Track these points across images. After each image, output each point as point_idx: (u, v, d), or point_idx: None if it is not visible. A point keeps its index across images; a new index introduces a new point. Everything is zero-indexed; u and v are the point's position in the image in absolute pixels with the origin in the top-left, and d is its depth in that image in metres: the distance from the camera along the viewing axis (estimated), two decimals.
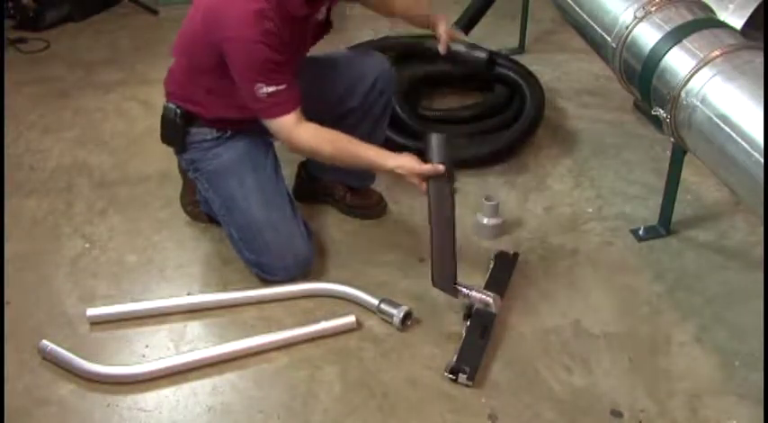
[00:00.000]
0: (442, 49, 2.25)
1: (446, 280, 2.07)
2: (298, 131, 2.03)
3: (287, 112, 2.01)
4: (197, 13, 2.05)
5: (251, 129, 2.20)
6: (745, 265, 2.27)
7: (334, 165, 2.41)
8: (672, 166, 2.29)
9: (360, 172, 2.42)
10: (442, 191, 2.02)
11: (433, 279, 2.08)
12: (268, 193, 2.19)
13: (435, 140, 2.01)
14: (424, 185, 2.00)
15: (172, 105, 2.21)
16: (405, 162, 2.01)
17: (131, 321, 2.12)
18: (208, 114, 2.18)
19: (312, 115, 2.09)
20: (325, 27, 2.24)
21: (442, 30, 2.25)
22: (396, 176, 2.04)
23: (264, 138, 2.25)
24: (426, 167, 1.98)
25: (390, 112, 2.46)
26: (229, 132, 2.21)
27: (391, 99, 2.41)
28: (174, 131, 2.22)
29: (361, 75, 2.28)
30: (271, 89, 1.97)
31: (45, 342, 2.00)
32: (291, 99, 2.01)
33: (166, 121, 2.23)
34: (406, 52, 3.04)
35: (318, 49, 2.31)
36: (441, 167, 1.98)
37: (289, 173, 2.53)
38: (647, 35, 2.18)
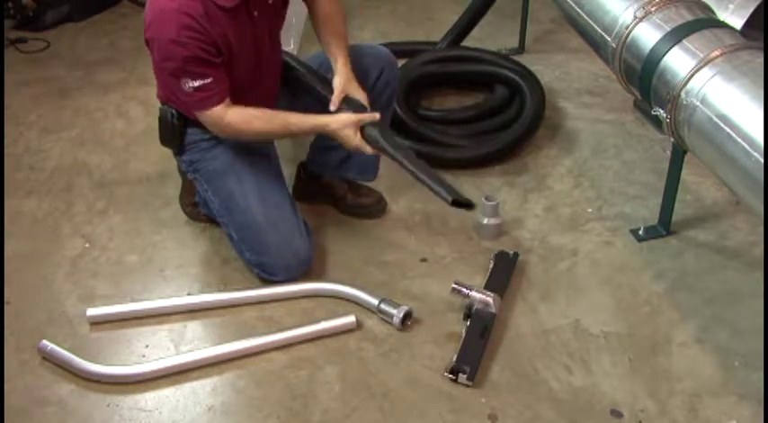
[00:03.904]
0: (332, 106, 2.13)
1: (455, 191, 2.03)
2: (227, 119, 2.06)
3: (216, 103, 2.04)
4: None
5: None
6: (745, 265, 2.27)
7: (335, 165, 2.43)
8: (672, 166, 2.29)
9: (360, 164, 2.42)
10: (385, 132, 2.09)
11: (447, 198, 2.00)
12: (267, 193, 2.19)
13: (349, 102, 2.12)
14: (368, 148, 2.08)
15: (166, 107, 2.21)
16: (343, 118, 2.07)
17: (131, 321, 2.12)
18: (189, 114, 2.18)
19: (321, 109, 2.13)
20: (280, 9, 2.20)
21: (338, 84, 2.14)
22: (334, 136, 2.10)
23: None
24: (357, 115, 2.06)
25: (394, 104, 2.47)
26: None
27: (396, 90, 2.42)
28: (172, 133, 2.22)
29: (367, 67, 2.28)
30: (197, 83, 1.99)
31: (45, 342, 2.00)
32: (219, 91, 2.03)
33: (163, 123, 2.23)
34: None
35: None
36: (377, 115, 2.07)
37: (289, 173, 2.53)
38: (647, 35, 2.18)
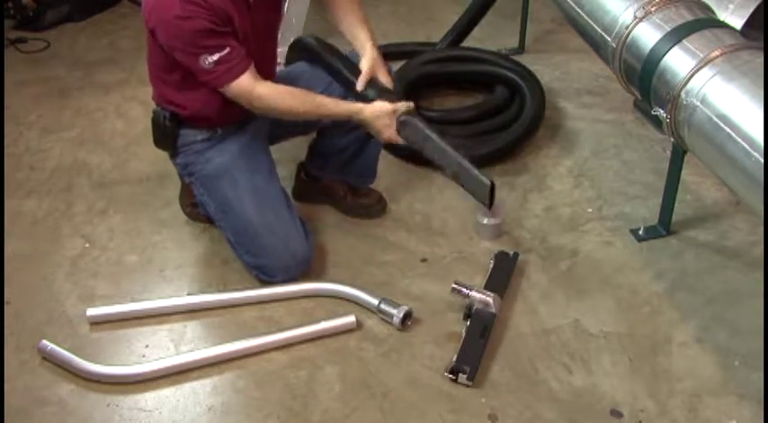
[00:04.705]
0: (359, 86, 2.14)
1: (487, 191, 2.10)
2: (258, 91, 2.04)
3: (240, 73, 2.01)
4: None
5: (240, 128, 2.20)
6: (745, 265, 2.27)
7: (334, 165, 2.43)
8: (672, 166, 2.29)
9: (360, 170, 2.42)
10: (420, 126, 2.10)
11: (486, 203, 2.13)
12: (262, 195, 2.19)
13: (374, 85, 2.11)
14: (399, 139, 2.11)
15: (159, 108, 2.21)
16: (378, 106, 2.07)
17: (131, 321, 2.12)
18: (186, 113, 2.17)
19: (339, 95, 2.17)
20: None
21: (366, 65, 2.13)
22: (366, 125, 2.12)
23: (258, 139, 2.25)
24: (400, 104, 2.07)
25: None
26: (220, 132, 2.21)
27: None
28: (165, 135, 2.22)
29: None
30: (215, 57, 1.97)
31: (45, 342, 2.00)
32: (240, 60, 2.01)
33: (156, 125, 2.22)
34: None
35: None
36: (411, 103, 2.08)
37: (288, 173, 2.54)
38: (647, 35, 2.18)
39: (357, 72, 2.15)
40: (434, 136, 2.10)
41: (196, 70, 2.01)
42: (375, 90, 2.12)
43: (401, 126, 2.09)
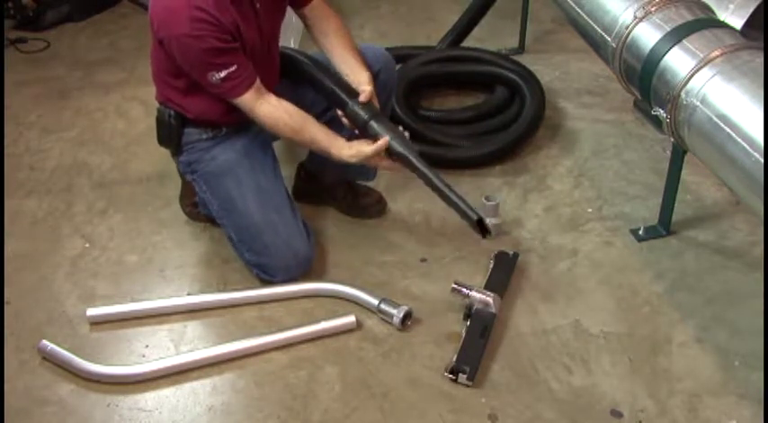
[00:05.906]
0: (362, 98, 2.13)
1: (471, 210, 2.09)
2: (256, 112, 2.09)
3: (245, 90, 2.05)
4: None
5: (245, 127, 2.20)
6: (745, 265, 2.27)
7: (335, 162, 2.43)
8: (672, 166, 2.29)
9: (360, 166, 2.41)
10: (411, 150, 2.12)
11: (472, 216, 2.07)
12: (266, 194, 2.19)
13: (376, 124, 2.12)
14: (384, 162, 2.13)
15: (163, 107, 2.21)
16: (358, 150, 2.10)
17: (131, 321, 2.12)
18: (191, 115, 2.18)
19: (317, 107, 2.18)
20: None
21: (368, 87, 2.15)
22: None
23: (262, 137, 2.26)
24: (376, 146, 2.09)
25: (391, 107, 2.47)
26: (224, 131, 2.21)
27: (394, 90, 2.42)
28: (169, 133, 2.22)
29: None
30: (223, 74, 2.00)
31: (45, 342, 2.00)
32: (246, 78, 2.04)
33: (161, 123, 2.23)
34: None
35: None
36: (386, 138, 2.08)
37: (289, 173, 2.53)
38: (647, 35, 2.18)
39: (352, 92, 2.15)
40: (421, 168, 2.11)
41: (204, 84, 2.05)
42: (369, 111, 2.13)
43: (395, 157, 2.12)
